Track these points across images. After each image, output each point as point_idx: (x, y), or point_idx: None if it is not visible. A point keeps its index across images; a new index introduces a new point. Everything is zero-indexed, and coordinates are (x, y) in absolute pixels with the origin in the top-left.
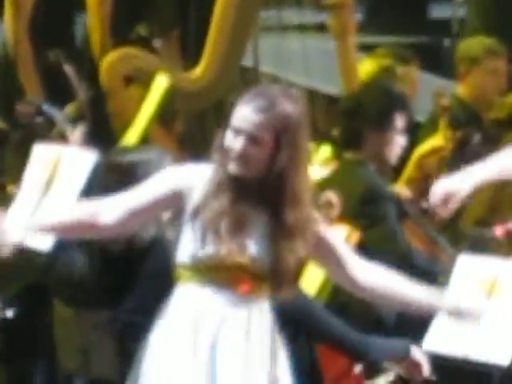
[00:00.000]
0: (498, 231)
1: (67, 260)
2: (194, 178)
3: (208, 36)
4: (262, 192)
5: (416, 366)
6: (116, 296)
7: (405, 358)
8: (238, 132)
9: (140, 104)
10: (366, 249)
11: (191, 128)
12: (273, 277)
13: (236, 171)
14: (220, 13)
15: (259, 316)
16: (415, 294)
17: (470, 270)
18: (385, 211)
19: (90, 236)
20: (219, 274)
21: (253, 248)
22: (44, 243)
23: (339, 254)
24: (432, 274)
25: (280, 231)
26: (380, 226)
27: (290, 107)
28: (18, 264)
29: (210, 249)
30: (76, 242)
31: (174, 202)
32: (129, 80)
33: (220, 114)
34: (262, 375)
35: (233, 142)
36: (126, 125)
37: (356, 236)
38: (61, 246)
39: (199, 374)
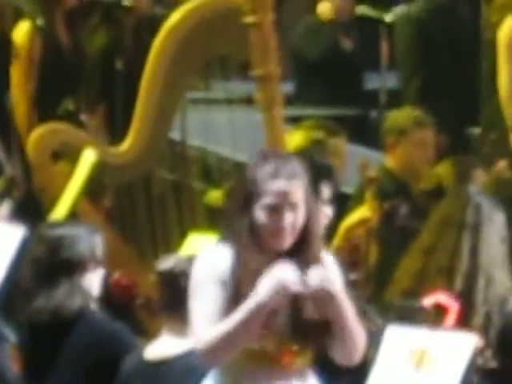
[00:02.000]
0: (427, 302)
1: None
2: (223, 268)
3: (134, 109)
4: (291, 252)
5: None
6: (44, 368)
7: None
8: (277, 207)
9: (68, 179)
10: None
11: (120, 202)
12: (298, 341)
13: (285, 246)
14: (146, 86)
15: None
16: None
17: (398, 340)
18: None
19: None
20: (263, 356)
21: (281, 323)
22: None
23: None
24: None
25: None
26: None
27: (302, 168)
28: None
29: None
30: (4, 314)
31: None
32: (56, 155)
33: (148, 188)
34: None
35: (272, 218)
36: (54, 199)
37: None
38: None
39: None
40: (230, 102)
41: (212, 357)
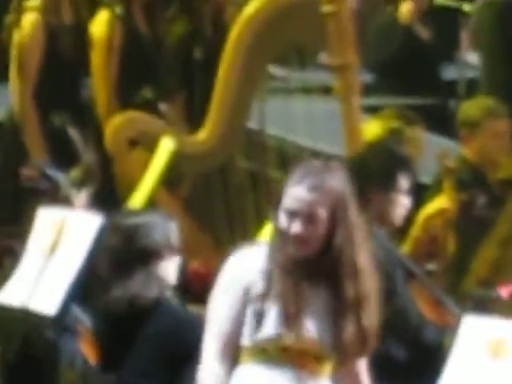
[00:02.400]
0: (504, 292)
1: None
2: (251, 271)
3: (212, 99)
4: (320, 270)
5: None
6: (120, 356)
7: None
8: (293, 214)
9: (145, 167)
10: None
11: (197, 191)
12: (336, 355)
13: (297, 253)
14: (223, 76)
15: None
16: None
17: (475, 330)
18: (396, 286)
19: None
20: (281, 356)
21: (314, 330)
22: (49, 307)
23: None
24: (440, 345)
25: (341, 307)
26: (392, 301)
27: (339, 183)
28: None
29: (271, 331)
30: (81, 302)
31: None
32: (134, 143)
33: (225, 177)
34: None
35: (289, 224)
36: (131, 188)
37: None
38: (65, 312)
39: None
40: (307, 91)
41: None
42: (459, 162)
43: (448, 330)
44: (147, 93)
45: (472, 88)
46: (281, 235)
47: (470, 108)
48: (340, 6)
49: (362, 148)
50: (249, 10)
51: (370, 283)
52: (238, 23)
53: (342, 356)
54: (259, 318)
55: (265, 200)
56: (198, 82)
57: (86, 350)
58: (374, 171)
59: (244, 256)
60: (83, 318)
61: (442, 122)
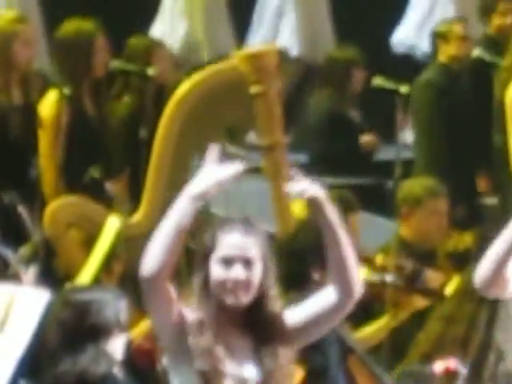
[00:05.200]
0: (438, 368)
1: None
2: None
3: (146, 180)
4: (245, 315)
5: None
6: None
7: None
8: (229, 261)
9: (83, 248)
10: None
11: (133, 269)
12: None
13: (237, 300)
14: (156, 155)
15: None
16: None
17: None
18: (328, 361)
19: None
20: None
21: (253, 371)
22: None
23: (312, 312)
24: None
25: (266, 349)
26: (322, 374)
27: (262, 228)
28: None
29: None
30: (29, 377)
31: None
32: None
33: None
34: None
35: (226, 272)
36: (70, 267)
37: (300, 375)
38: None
39: None
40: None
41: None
42: (396, 241)
43: None
44: (94, 172)
45: (408, 168)
46: (216, 286)
47: (411, 186)
48: (267, 87)
49: (293, 227)
50: (180, 90)
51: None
52: (171, 103)
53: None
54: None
55: None
56: (144, 159)
57: None
58: (311, 251)
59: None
60: None
61: (379, 202)
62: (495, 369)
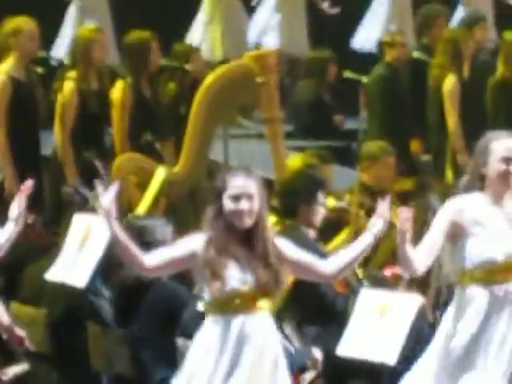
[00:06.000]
0: (387, 272)
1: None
2: (198, 244)
3: (183, 143)
4: (249, 235)
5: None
6: (128, 317)
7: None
8: (239, 197)
9: (137, 188)
10: (300, 287)
11: (174, 205)
12: (260, 293)
13: (246, 224)
14: (191, 125)
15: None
16: (358, 246)
17: (368, 299)
18: None
19: (132, 267)
20: (236, 302)
21: (251, 279)
22: (80, 281)
23: (304, 263)
24: (345, 309)
25: (261, 260)
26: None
27: (258, 173)
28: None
29: (228, 285)
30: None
31: (190, 261)
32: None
33: (197, 197)
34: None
35: (235, 205)
36: (130, 202)
37: (290, 279)
38: (92, 283)
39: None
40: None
41: None
42: (358, 185)
43: (351, 299)
44: (148, 137)
45: (368, 134)
46: (229, 214)
47: (370, 147)
48: (269, 77)
49: (288, 175)
50: (208, 79)
51: (272, 243)
52: (201, 89)
53: (269, 291)
54: (216, 277)
55: None
56: (183, 128)
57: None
58: (301, 191)
59: (197, 235)
60: (104, 291)
61: (347, 158)
62: (439, 273)
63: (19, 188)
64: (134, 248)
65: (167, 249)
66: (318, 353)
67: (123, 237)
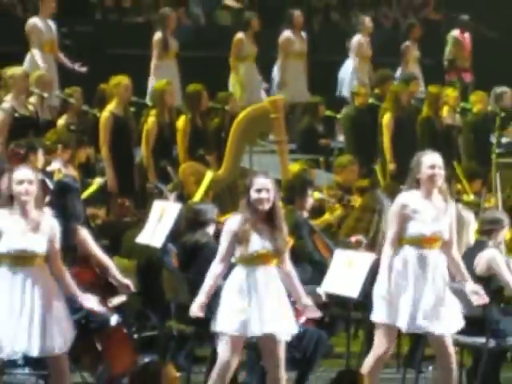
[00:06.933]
0: (352, 239)
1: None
2: (235, 223)
3: (224, 155)
4: (268, 215)
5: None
6: (188, 266)
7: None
8: (260, 190)
9: (195, 184)
10: (296, 251)
11: (218, 196)
12: (276, 254)
13: (267, 207)
14: (229, 143)
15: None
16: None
17: (341, 257)
18: (302, 234)
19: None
20: (258, 259)
21: (268, 245)
22: (158, 243)
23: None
24: (325, 265)
25: (276, 232)
26: (301, 241)
27: (272, 176)
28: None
29: (253, 248)
30: (173, 241)
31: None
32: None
33: (232, 190)
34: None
35: (259, 195)
36: (189, 193)
37: (291, 242)
38: (166, 245)
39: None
40: (265, 152)
41: None
42: (333, 183)
43: (328, 259)
44: (201, 151)
45: (340, 151)
46: (254, 201)
47: (341, 159)
48: (279, 114)
49: (290, 176)
50: (240, 116)
51: (283, 220)
52: (236, 121)
53: (279, 253)
54: (245, 242)
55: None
56: (223, 147)
57: (174, 262)
58: (297, 187)
59: (233, 218)
60: (173, 248)
61: (327, 166)
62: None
63: (117, 185)
64: (215, 282)
65: (221, 246)
66: (320, 290)
67: (210, 292)
